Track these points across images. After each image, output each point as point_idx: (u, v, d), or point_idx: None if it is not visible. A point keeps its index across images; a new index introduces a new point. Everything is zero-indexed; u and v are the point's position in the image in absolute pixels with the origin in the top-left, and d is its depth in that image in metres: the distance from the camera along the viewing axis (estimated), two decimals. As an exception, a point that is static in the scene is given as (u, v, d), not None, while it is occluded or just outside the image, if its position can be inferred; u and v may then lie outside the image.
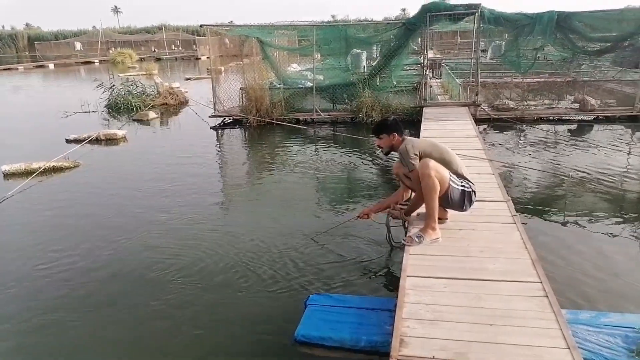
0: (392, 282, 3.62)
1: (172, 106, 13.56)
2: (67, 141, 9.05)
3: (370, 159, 7.43)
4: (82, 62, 42.09)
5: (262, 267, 3.93)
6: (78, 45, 52.93)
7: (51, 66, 38.32)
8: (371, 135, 8.40)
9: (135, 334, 3.15)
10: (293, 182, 6.41)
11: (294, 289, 3.59)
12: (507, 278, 2.85)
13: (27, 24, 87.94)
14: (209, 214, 5.24)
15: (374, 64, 11.86)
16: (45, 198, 5.99)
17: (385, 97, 10.11)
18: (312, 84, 10.74)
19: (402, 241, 3.49)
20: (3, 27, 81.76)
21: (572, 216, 4.77)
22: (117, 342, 3.08)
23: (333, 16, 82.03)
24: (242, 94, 10.86)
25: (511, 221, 3.69)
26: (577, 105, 9.83)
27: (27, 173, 6.79)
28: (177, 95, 14.17)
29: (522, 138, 8.52)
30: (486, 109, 9.81)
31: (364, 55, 12.26)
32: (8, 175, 6.80)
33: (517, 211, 3.89)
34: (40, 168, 6.89)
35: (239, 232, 4.65)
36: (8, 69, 35.09)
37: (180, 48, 52.56)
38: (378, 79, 10.58)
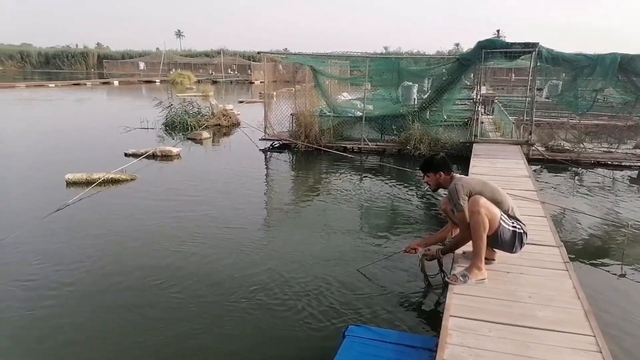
0: (434, 321, 3.53)
1: (224, 127, 14.06)
2: (126, 155, 9.54)
3: (416, 192, 7.37)
4: (144, 81, 44.55)
5: (301, 292, 3.95)
6: (142, 65, 56.21)
7: (116, 83, 40.77)
8: (417, 168, 8.37)
9: (172, 348, 3.22)
10: (337, 209, 6.43)
11: (332, 317, 3.57)
12: (558, 328, 2.72)
13: (98, 44, 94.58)
14: (252, 235, 5.34)
15: (424, 97, 11.88)
16: (102, 207, 6.31)
17: (435, 131, 10.04)
18: (361, 114, 10.86)
19: (446, 279, 3.41)
20: (77, 45, 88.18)
21: (629, 268, 4.50)
22: (156, 351, 3.16)
23: (385, 48, 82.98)
24: (292, 120, 11.13)
25: (563, 268, 3.54)
26: (638, 151, 9.37)
27: (88, 182, 7.20)
28: (230, 117, 14.68)
29: (577, 182, 8.19)
30: (540, 149, 9.53)
31: (415, 88, 12.31)
32: (70, 184, 7.23)
33: (569, 258, 3.73)
34: (99, 179, 7.29)
35: (280, 256, 4.70)
36: (77, 84, 37.64)
37: (235, 72, 54.67)
38: (428, 112, 10.56)
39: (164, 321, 3.52)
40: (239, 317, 3.59)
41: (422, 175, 3.75)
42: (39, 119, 16.53)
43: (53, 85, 35.13)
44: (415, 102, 11.78)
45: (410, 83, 12.16)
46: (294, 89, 12.64)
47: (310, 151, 10.27)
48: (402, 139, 10.11)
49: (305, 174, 8.90)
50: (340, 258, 4.64)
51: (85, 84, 37.99)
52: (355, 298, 3.85)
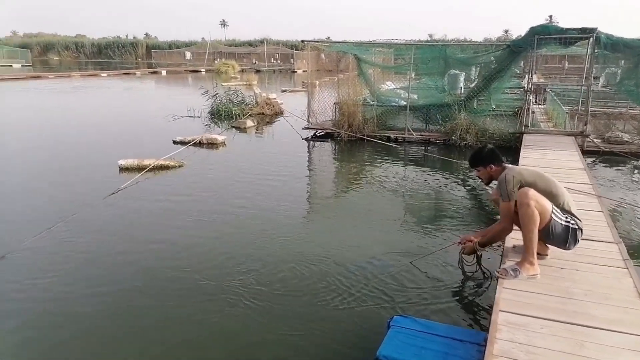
0: (482, 316, 3.46)
1: (268, 116, 14.22)
2: (174, 142, 9.84)
3: (463, 182, 7.20)
4: (190, 71, 45.63)
5: (346, 280, 3.96)
6: (188, 55, 57.53)
7: (164, 72, 41.95)
8: (463, 159, 8.16)
9: (218, 331, 3.32)
10: (380, 199, 6.40)
11: (377, 306, 3.57)
12: (616, 328, 2.60)
13: (146, 34, 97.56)
14: (294, 222, 5.40)
15: (472, 86, 11.53)
16: (152, 191, 6.54)
17: (482, 121, 9.75)
18: (405, 103, 10.68)
19: (496, 273, 3.33)
20: (127, 36, 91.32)
21: (695, 268, 4.23)
22: (200, 339, 3.27)
23: (430, 35, 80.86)
24: (335, 109, 11.10)
25: (622, 265, 3.37)
26: None
27: (139, 168, 7.48)
28: (274, 106, 14.82)
29: (636, 175, 7.75)
30: (595, 141, 9.07)
31: (461, 77, 11.96)
32: (123, 169, 7.54)
33: (629, 255, 3.54)
34: (150, 165, 7.56)
35: (324, 244, 4.73)
36: (127, 73, 39.01)
37: (278, 61, 55.00)
38: (475, 102, 10.26)
39: (214, 302, 3.62)
40: (285, 304, 3.65)
41: (472, 169, 3.65)
42: (92, 106, 17.30)
43: (105, 74, 36.58)
44: (462, 91, 11.44)
45: (457, 71, 11.82)
46: (336, 78, 12.58)
47: (353, 140, 10.23)
48: (447, 129, 9.88)
49: (347, 164, 8.89)
50: (385, 247, 4.62)
51: (135, 74, 39.31)
52: (401, 288, 3.83)
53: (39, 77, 32.42)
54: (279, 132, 12.24)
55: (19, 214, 5.66)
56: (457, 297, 3.76)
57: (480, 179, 3.64)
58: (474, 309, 3.60)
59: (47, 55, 77.72)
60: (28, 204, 6.02)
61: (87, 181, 7.09)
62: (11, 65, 48.66)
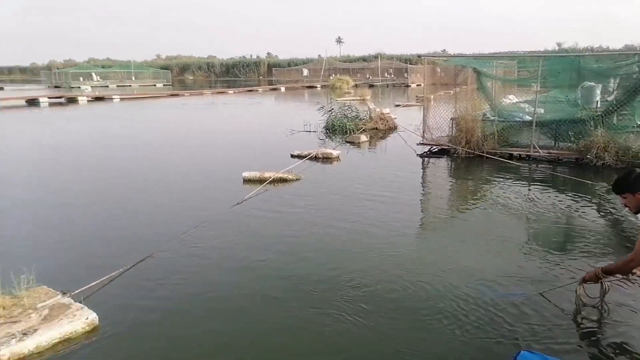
0: (617, 356, 3.07)
1: (381, 131, 14.26)
2: (292, 156, 10.34)
3: (599, 207, 6.48)
4: (306, 86, 47.72)
5: (464, 305, 3.78)
6: (305, 72, 60.19)
7: (283, 89, 44.44)
8: (598, 181, 7.35)
9: (328, 344, 3.37)
10: (500, 221, 6.02)
11: (499, 338, 3.35)
12: None
13: (268, 53, 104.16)
14: (407, 240, 5.32)
15: (610, 99, 10.37)
16: (272, 203, 6.92)
17: (624, 138, 8.70)
18: (530, 118, 9.96)
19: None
20: (251, 55, 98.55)
21: None
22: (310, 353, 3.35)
23: (559, 44, 74.58)
24: (452, 124, 10.75)
25: None
26: None
27: (261, 180, 7.99)
28: (387, 121, 14.83)
29: None
30: None
31: (598, 89, 10.82)
32: (246, 181, 8.11)
33: None
34: (270, 177, 8.03)
35: (438, 264, 4.58)
36: (251, 90, 42.03)
37: (392, 75, 54.96)
38: (615, 117, 9.20)
39: (328, 315, 3.71)
40: (396, 325, 3.59)
41: (616, 195, 3.27)
42: (220, 121, 18.95)
43: (232, 92, 39.83)
44: (599, 105, 10.34)
45: (592, 83, 10.73)
46: (452, 92, 12.20)
47: (471, 157, 9.80)
48: (580, 147, 8.98)
49: (465, 182, 8.53)
50: (507, 274, 4.32)
51: (257, 90, 42.20)
52: (525, 320, 3.55)
53: (176, 95, 36.43)
54: (393, 147, 12.19)
55: (160, 218, 6.37)
56: (592, 337, 3.38)
57: (626, 207, 3.24)
58: (611, 351, 3.20)
59: (183, 75, 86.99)
60: (168, 209, 6.75)
61: (217, 190, 7.74)
62: (155, 85, 55.41)
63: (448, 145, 10.43)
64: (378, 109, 15.85)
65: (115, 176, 8.91)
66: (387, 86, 48.15)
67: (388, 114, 15.72)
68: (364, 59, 70.31)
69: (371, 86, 45.85)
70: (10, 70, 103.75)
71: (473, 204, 6.98)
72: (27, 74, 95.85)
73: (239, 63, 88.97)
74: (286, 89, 44.99)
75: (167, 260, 4.83)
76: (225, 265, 4.75)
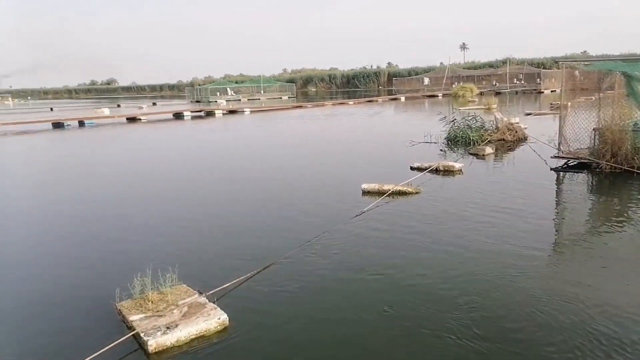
0: None
1: (509, 142, 13.34)
2: (412, 168, 10.16)
3: None
4: (427, 95, 46.70)
5: (604, 347, 3.33)
6: (426, 80, 59.00)
7: (402, 99, 44.04)
8: None
9: None
10: (657, 249, 5.21)
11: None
12: None
13: (388, 63, 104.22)
14: (538, 264, 4.86)
15: None
16: (390, 216, 6.87)
17: None
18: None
19: None
20: (371, 66, 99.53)
21: None
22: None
23: None
24: (594, 135, 9.62)
25: None
26: None
27: (380, 192, 7.99)
28: (516, 131, 13.82)
29: None
30: None
31: None
32: (365, 192, 8.17)
33: None
34: (389, 190, 7.99)
35: (573, 295, 4.10)
36: (370, 101, 42.42)
37: (522, 82, 51.20)
38: None
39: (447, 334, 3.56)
40: (526, 356, 3.30)
41: None
42: (341, 131, 19.42)
43: (352, 102, 40.63)
44: None
45: None
46: (596, 99, 10.91)
47: (617, 173, 8.67)
48: None
49: (608, 200, 7.57)
50: (664, 313, 3.72)
51: (377, 101, 42.42)
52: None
53: (300, 106, 38.26)
54: (522, 160, 11.30)
55: (285, 226, 6.70)
56: None
57: None
58: None
59: (306, 87, 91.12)
60: (293, 216, 7.08)
61: (337, 201, 7.90)
62: (280, 97, 58.93)
63: (589, 159, 9.35)
64: (505, 119, 14.84)
65: (246, 187, 9.63)
66: (516, 93, 44.97)
67: (517, 123, 14.64)
68: (490, 65, 66.60)
69: (498, 93, 43.22)
70: (161, 87, 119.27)
71: (618, 226, 6.15)
72: (174, 90, 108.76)
73: (359, 74, 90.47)
74: (406, 98, 44.51)
75: (289, 268, 5.06)
76: (341, 276, 4.83)
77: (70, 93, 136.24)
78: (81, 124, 27.03)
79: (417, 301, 4.19)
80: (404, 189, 8.12)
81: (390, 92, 57.06)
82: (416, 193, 8.05)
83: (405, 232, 6.14)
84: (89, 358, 3.31)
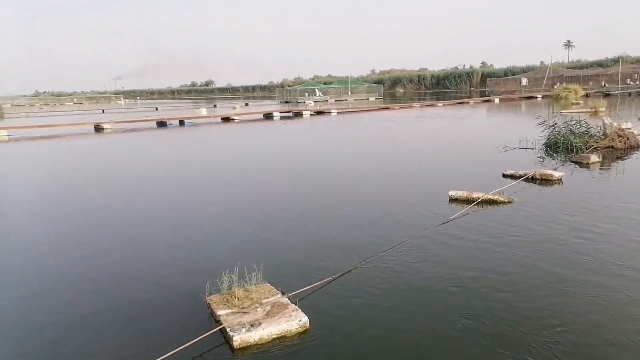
0: None
1: (618, 150, 12.10)
2: (504, 176, 9.59)
3: None
4: (524, 97, 43.86)
5: None
6: (524, 81, 55.49)
7: (496, 100, 41.83)
8: None
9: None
10: None
11: None
12: None
13: (482, 63, 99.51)
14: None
15: None
16: (478, 226, 6.53)
17: None
18: None
19: None
20: (463, 66, 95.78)
21: None
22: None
23: None
24: None
25: None
26: None
27: (468, 201, 7.65)
28: (628, 138, 12.51)
29: None
30: None
31: None
32: (453, 200, 7.86)
33: None
34: (478, 198, 7.61)
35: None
36: (461, 102, 40.84)
37: (637, 82, 46.19)
38: None
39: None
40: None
41: None
42: (427, 134, 18.91)
43: (441, 104, 39.42)
44: None
45: None
46: None
47: None
48: None
49: None
50: None
51: (468, 102, 40.74)
52: None
53: (387, 108, 37.90)
54: (633, 171, 10.16)
55: (369, 230, 6.66)
56: None
57: None
58: None
59: (394, 88, 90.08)
60: (376, 220, 7.02)
61: (423, 207, 7.66)
62: (368, 98, 58.83)
63: None
64: (615, 123, 13.47)
65: (331, 189, 9.74)
66: (629, 95, 40.63)
67: (629, 129, 13.23)
68: (599, 64, 60.85)
69: (607, 95, 39.38)
70: (253, 88, 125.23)
71: None
72: (265, 91, 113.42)
73: (450, 74, 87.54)
74: (500, 100, 42.23)
75: (370, 273, 5.02)
76: (421, 285, 4.70)
77: (173, 94, 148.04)
78: (181, 123, 29.13)
79: (499, 318, 3.94)
80: (495, 197, 7.69)
81: (482, 94, 54.44)
82: (508, 203, 7.58)
83: (492, 244, 5.81)
84: (181, 347, 3.54)
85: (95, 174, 12.48)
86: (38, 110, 62.35)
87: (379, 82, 78.54)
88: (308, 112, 33.94)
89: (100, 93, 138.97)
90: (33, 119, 38.29)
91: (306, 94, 59.50)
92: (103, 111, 50.84)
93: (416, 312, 4.19)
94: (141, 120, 29.80)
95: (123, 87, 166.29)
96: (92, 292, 4.89)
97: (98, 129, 26.19)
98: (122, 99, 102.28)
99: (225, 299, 4.19)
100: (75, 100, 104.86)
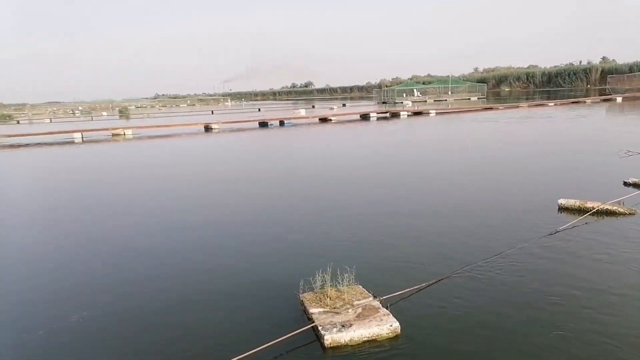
0: None
1: None
2: (625, 184, 8.61)
3: None
4: (653, 95, 38.84)
5: None
6: (653, 77, 49.14)
7: (618, 99, 37.62)
8: None
9: None
10: None
11: None
12: None
13: (603, 58, 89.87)
14: None
15: None
16: (590, 239, 5.93)
17: None
18: None
19: None
20: (580, 62, 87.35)
21: None
22: None
23: None
24: None
25: None
26: None
27: (580, 210, 6.99)
28: None
29: None
30: None
31: None
32: (562, 209, 7.23)
33: None
34: (593, 208, 6.92)
35: None
36: (576, 102, 37.34)
37: None
38: None
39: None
40: None
41: None
42: (535, 136, 17.55)
43: (552, 104, 36.40)
44: None
45: None
46: None
47: None
48: None
49: None
50: None
51: (584, 102, 37.16)
52: None
53: (490, 108, 35.90)
54: None
55: (468, 237, 6.38)
56: None
57: None
58: None
59: (499, 87, 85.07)
60: (479, 225, 6.71)
61: (528, 214, 7.15)
62: (469, 98, 56.31)
63: None
64: None
65: (431, 192, 9.50)
66: None
67: None
68: None
69: None
70: (351, 89, 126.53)
71: None
72: (363, 91, 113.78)
73: (564, 71, 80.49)
74: (623, 99, 37.86)
75: (464, 283, 4.83)
76: (517, 301, 4.40)
77: (275, 95, 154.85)
78: (281, 123, 30.33)
79: (602, 348, 3.55)
80: (614, 208, 6.93)
81: (602, 92, 49.23)
82: (630, 214, 6.79)
83: (606, 260, 5.25)
84: (275, 341, 3.71)
85: (211, 174, 13.47)
86: (157, 111, 69.01)
87: (482, 81, 74.67)
88: (405, 113, 33.39)
89: (210, 95, 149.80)
90: (153, 119, 42.42)
91: (404, 94, 58.50)
92: (212, 112, 54.71)
93: (508, 327, 3.94)
94: (245, 121, 31.61)
95: (230, 90, 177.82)
96: (199, 282, 5.30)
97: (207, 128, 28.25)
98: (229, 100, 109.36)
99: (317, 298, 4.30)
100: (188, 102, 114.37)
